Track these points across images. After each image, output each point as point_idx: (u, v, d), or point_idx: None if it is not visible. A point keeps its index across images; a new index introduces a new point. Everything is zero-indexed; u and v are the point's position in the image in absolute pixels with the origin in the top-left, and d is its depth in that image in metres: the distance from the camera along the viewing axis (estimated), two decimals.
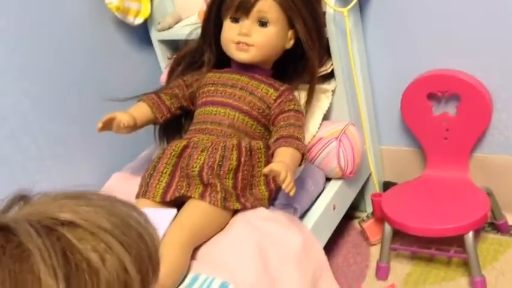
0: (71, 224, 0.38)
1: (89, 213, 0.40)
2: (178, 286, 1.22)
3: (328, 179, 1.62)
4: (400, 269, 1.61)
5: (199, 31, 1.56)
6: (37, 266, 0.35)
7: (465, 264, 1.55)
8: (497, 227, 1.64)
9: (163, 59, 1.82)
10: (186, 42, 1.67)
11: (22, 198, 0.42)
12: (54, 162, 1.58)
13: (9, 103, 1.48)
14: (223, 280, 1.19)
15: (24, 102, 1.51)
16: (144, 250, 0.41)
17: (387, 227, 1.54)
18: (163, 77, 1.71)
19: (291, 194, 1.26)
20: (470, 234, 1.43)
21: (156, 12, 1.78)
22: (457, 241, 1.52)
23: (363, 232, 1.75)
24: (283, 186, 1.23)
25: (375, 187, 1.75)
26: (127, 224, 0.41)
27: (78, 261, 0.37)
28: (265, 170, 1.25)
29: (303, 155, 1.36)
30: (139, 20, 1.74)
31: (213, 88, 1.48)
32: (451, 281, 1.53)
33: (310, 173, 1.55)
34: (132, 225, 0.41)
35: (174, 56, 1.64)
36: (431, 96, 1.59)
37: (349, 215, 1.82)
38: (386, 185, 1.80)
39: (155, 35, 1.80)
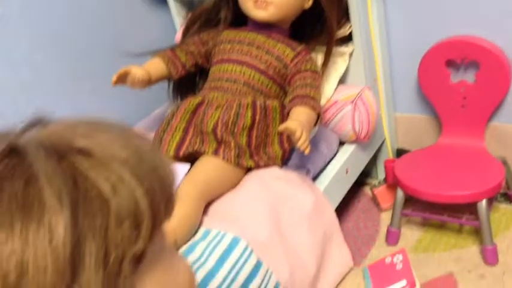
0: (84, 152, 0.38)
1: (105, 142, 0.39)
2: (189, 240, 1.22)
3: (341, 143, 1.62)
4: (411, 235, 1.61)
5: None
6: (43, 189, 0.34)
7: (476, 233, 1.54)
8: (510, 198, 1.63)
9: (178, 18, 1.81)
10: (201, 0, 1.65)
11: (40, 122, 0.41)
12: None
13: (22, 57, 1.47)
14: (235, 235, 1.19)
15: (37, 57, 1.51)
16: (157, 185, 0.40)
17: (399, 192, 1.54)
18: (178, 36, 1.70)
19: (306, 152, 1.25)
20: (484, 201, 1.42)
21: None
22: (469, 209, 1.52)
23: (374, 198, 1.74)
24: (298, 144, 1.23)
25: (388, 153, 1.74)
26: (142, 157, 0.40)
27: (87, 189, 0.36)
28: (281, 127, 1.25)
29: (318, 115, 1.35)
30: None
31: (229, 46, 1.47)
32: (462, 248, 1.53)
33: (324, 136, 1.55)
34: (147, 159, 0.41)
35: (190, 14, 1.62)
36: (450, 63, 1.57)
37: (361, 182, 1.82)
38: (400, 153, 1.79)
39: None
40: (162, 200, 0.39)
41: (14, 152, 0.36)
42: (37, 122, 0.41)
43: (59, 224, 0.33)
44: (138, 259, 0.39)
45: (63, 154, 0.37)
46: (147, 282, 0.41)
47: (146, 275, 0.41)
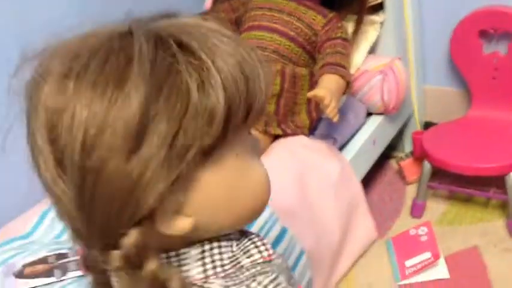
0: (186, 47, 0.40)
1: (211, 46, 0.41)
2: None
3: (369, 114, 1.60)
4: (436, 208, 1.60)
5: None
6: (133, 66, 0.38)
7: (503, 207, 1.53)
8: None
9: None
10: None
11: (167, 16, 0.45)
12: None
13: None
14: None
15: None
16: (243, 96, 0.41)
17: (426, 164, 1.53)
18: (208, 3, 1.69)
19: (334, 120, 1.25)
20: (511, 174, 1.41)
21: None
22: (496, 183, 1.50)
23: (400, 171, 1.74)
24: (327, 111, 1.22)
25: (416, 126, 1.72)
26: (241, 68, 0.42)
27: (176, 79, 0.39)
28: (310, 94, 1.24)
29: (348, 83, 1.34)
30: None
31: (260, 12, 1.46)
32: (488, 222, 1.52)
33: (352, 105, 1.54)
34: (246, 70, 0.42)
35: None
36: (482, 34, 1.54)
37: (387, 155, 1.81)
38: (428, 125, 1.77)
39: None
40: (243, 108, 0.41)
41: (130, 34, 0.41)
42: (165, 16, 0.45)
43: (135, 97, 0.38)
44: (206, 153, 0.41)
45: (166, 44, 0.40)
46: (212, 179, 0.43)
47: (211, 171, 0.42)
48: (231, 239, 0.48)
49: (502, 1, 1.50)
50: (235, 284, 0.45)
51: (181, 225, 0.43)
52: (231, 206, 0.46)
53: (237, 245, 0.48)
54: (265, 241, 0.50)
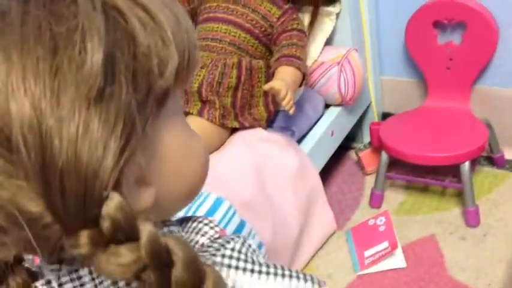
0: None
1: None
2: None
3: (327, 106, 1.60)
4: (394, 198, 1.62)
5: None
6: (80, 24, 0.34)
7: (459, 195, 1.55)
8: (493, 161, 1.64)
9: None
10: None
11: None
12: None
13: None
14: (218, 195, 1.18)
15: None
16: (186, 41, 0.40)
17: (384, 155, 1.54)
18: None
19: (291, 112, 1.24)
20: (467, 163, 1.43)
21: None
22: (453, 172, 1.53)
23: (359, 161, 1.75)
24: (283, 103, 1.22)
25: (374, 117, 1.73)
26: (176, 18, 0.40)
27: (119, 21, 0.36)
28: (266, 86, 1.23)
29: (304, 74, 1.34)
30: None
31: (215, 4, 1.44)
32: (445, 211, 1.54)
33: (310, 97, 1.53)
34: (181, 21, 0.40)
35: None
36: (437, 24, 1.56)
37: (346, 146, 1.82)
38: (385, 116, 1.78)
39: None
40: (187, 58, 0.40)
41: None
42: None
43: (96, 50, 0.34)
44: (161, 101, 0.38)
45: None
46: (167, 137, 0.40)
47: (166, 128, 0.40)
48: (174, 225, 0.47)
49: None
50: (208, 259, 0.42)
51: (147, 196, 0.38)
52: (185, 171, 0.43)
53: (183, 230, 0.47)
54: (210, 218, 0.48)
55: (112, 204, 0.34)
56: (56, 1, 0.35)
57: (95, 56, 0.34)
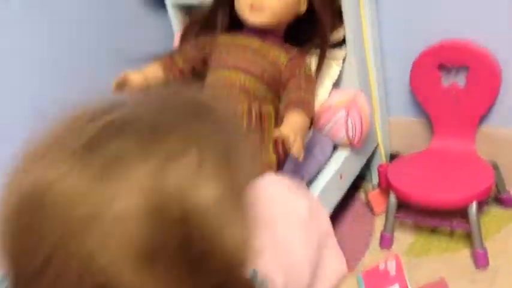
0: None
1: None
2: None
3: (335, 148, 1.63)
4: (404, 239, 1.62)
5: None
6: None
7: (467, 237, 1.56)
8: (500, 201, 1.65)
9: (176, 23, 1.81)
10: (199, 6, 1.66)
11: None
12: None
13: (18, 63, 1.48)
14: None
15: (35, 62, 1.51)
16: None
17: (392, 197, 1.55)
18: (176, 41, 1.70)
19: (300, 158, 1.26)
20: (474, 205, 1.44)
21: None
22: (461, 213, 1.54)
23: (368, 202, 1.76)
24: (293, 150, 1.24)
25: (381, 158, 1.75)
26: None
27: None
28: (275, 133, 1.26)
29: (312, 119, 1.36)
30: None
31: (225, 51, 1.48)
32: (454, 252, 1.55)
33: (318, 140, 1.56)
34: None
35: (188, 19, 1.63)
36: (441, 67, 1.59)
37: (355, 185, 1.83)
38: (393, 156, 1.80)
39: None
40: None
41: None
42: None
43: None
44: None
45: None
46: None
47: None
48: None
49: (458, 35, 1.54)
50: None
51: None
52: None
53: None
54: None
55: None
56: None
57: None
